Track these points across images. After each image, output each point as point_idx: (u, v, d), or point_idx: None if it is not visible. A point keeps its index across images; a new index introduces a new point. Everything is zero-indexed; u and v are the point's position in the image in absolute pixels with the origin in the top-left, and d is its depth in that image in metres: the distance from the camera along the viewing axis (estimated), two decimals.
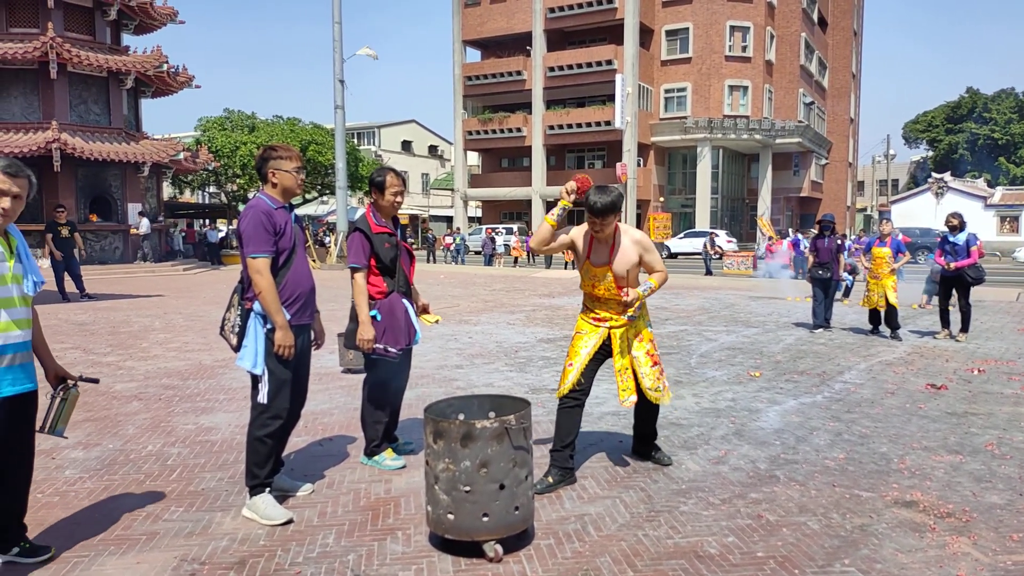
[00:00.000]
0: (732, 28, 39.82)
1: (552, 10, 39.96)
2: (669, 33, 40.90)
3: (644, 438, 4.41)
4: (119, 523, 3.50)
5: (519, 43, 41.63)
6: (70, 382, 3.14)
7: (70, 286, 13.72)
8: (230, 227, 34.01)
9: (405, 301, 4.23)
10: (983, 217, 40.15)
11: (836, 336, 9.54)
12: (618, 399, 4.12)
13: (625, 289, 3.90)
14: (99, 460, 4.42)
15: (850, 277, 13.67)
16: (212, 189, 41.39)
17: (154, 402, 5.91)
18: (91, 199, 22.10)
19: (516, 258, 28.48)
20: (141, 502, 3.76)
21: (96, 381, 3.40)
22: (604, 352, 4.10)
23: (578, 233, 4.09)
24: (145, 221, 22.43)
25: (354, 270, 4.09)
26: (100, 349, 8.33)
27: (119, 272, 20.61)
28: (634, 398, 4.06)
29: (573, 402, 4.04)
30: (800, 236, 18.67)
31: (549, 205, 42.23)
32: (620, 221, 4.03)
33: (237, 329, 3.52)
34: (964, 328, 9.16)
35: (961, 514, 3.60)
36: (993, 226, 40.86)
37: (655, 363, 4.13)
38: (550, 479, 3.95)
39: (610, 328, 4.06)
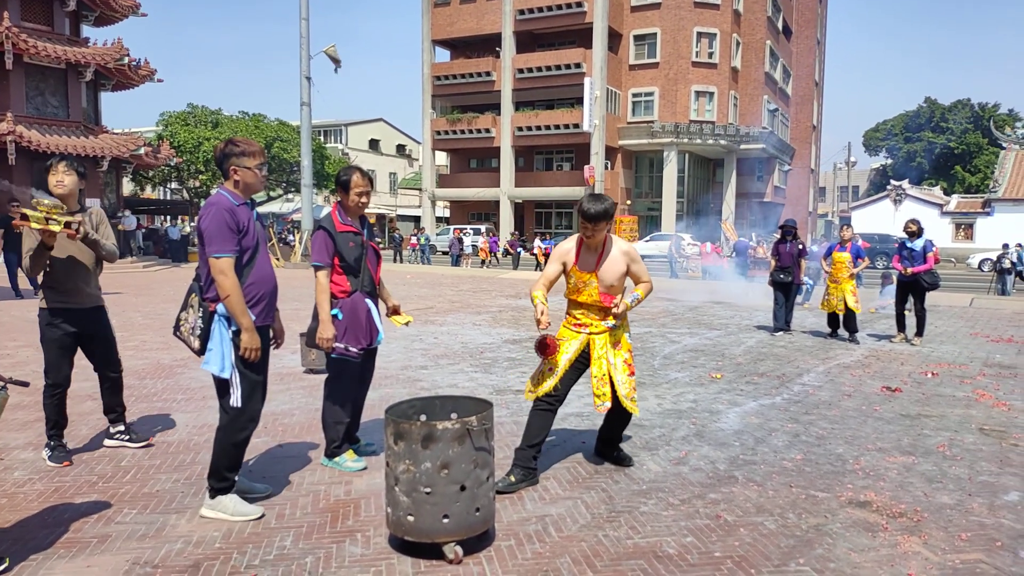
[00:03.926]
0: (699, 34, 40.26)
1: (522, 12, 40.03)
2: (637, 38, 41.22)
3: (609, 441, 4.43)
4: (70, 526, 3.41)
5: (489, 44, 41.61)
6: (3, 383, 2.94)
7: (24, 282, 13.35)
8: (192, 224, 33.43)
9: (368, 301, 4.19)
10: (939, 224, 41.15)
11: (796, 339, 9.70)
12: (593, 404, 4.15)
13: (615, 300, 3.97)
14: (47, 462, 4.29)
15: (810, 281, 13.90)
16: (174, 185, 40.58)
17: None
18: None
19: (484, 259, 28.45)
20: (93, 504, 3.67)
21: (26, 384, 3.17)
22: (584, 361, 4.12)
23: (563, 250, 4.14)
24: (132, 218, 22.93)
25: (316, 268, 4.05)
26: None
27: None
28: (608, 404, 4.10)
29: (547, 406, 4.06)
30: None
31: (517, 206, 42.37)
32: (610, 231, 4.10)
33: (199, 332, 3.41)
34: (919, 332, 9.39)
35: (913, 514, 3.68)
36: (948, 233, 41.90)
37: (631, 373, 4.18)
38: (512, 478, 3.95)
39: (590, 334, 4.09)
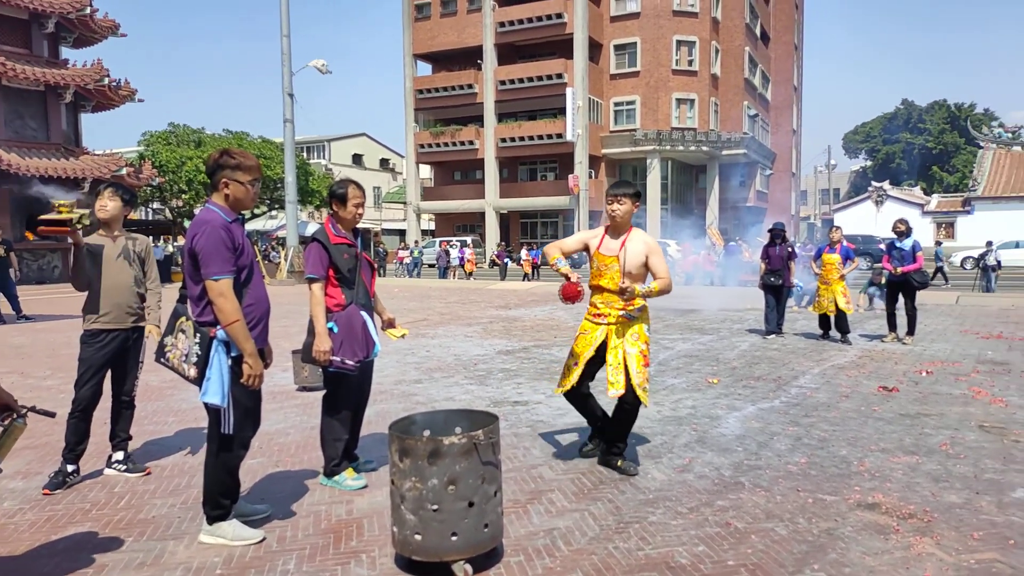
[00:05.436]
0: (678, 42, 40.61)
1: (502, 24, 40.22)
2: (617, 48, 41.51)
3: (613, 445, 4.39)
4: (64, 556, 3.30)
5: (470, 57, 41.76)
6: (18, 412, 2.78)
7: (5, 307, 13.14)
8: (175, 244, 33.14)
9: (364, 313, 4.12)
10: (920, 224, 41.59)
11: (788, 341, 9.70)
12: (606, 390, 4.21)
13: (623, 279, 4.10)
14: (41, 490, 4.18)
15: (800, 284, 13.88)
16: (156, 205, 40.27)
17: (99, 426, 5.59)
18: (28, 217, 21.28)
19: (470, 272, 28.37)
20: (88, 533, 3.56)
21: (52, 415, 2.98)
22: (602, 354, 4.28)
23: (590, 233, 4.45)
24: None
25: (311, 281, 3.98)
26: (39, 372, 7.96)
27: (57, 292, 19.83)
28: (621, 391, 4.16)
29: (582, 396, 4.43)
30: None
31: (502, 217, 42.37)
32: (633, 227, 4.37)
33: (195, 359, 3.22)
34: (911, 331, 9.42)
35: (922, 515, 3.65)
36: (930, 232, 42.37)
37: (646, 364, 4.25)
38: (591, 445, 4.59)
39: (608, 325, 4.23)
